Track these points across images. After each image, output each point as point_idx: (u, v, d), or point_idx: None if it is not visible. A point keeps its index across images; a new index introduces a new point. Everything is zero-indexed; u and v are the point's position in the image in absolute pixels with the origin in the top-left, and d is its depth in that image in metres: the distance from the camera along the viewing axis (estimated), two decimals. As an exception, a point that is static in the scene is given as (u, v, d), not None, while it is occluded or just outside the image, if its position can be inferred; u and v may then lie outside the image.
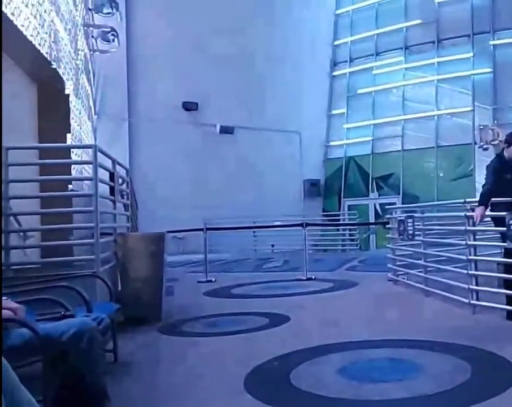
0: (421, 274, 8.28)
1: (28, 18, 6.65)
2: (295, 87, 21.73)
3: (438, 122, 21.18)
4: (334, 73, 24.19)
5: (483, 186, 6.52)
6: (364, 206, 21.73)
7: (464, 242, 6.83)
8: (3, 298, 3.26)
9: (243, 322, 6.66)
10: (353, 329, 6.01)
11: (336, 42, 24.39)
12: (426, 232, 8.43)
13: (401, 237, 8.90)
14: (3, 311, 2.96)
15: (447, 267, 7.67)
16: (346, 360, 4.77)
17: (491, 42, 20.45)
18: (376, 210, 21.40)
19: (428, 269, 8.23)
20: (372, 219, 21.18)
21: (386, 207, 11.66)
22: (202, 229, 11.82)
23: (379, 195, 21.76)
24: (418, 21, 22.05)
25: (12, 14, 6.11)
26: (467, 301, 6.53)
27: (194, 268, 13.53)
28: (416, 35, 22.17)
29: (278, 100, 20.99)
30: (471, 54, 20.78)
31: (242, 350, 5.39)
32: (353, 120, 23.15)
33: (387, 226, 10.38)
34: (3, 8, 5.51)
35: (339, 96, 23.73)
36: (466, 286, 6.59)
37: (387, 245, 10.22)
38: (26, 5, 6.64)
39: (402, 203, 19.40)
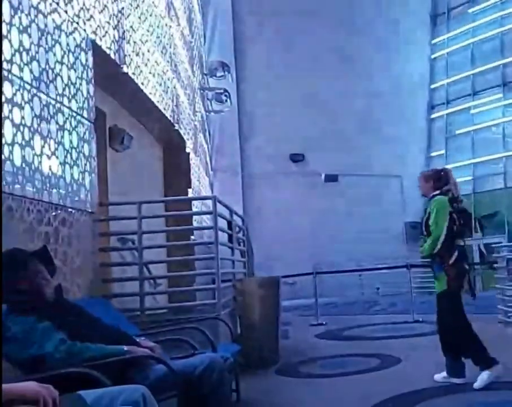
0: (534, 314, 8.04)
1: (155, 86, 7.42)
2: (395, 131, 21.77)
3: (541, 157, 20.43)
4: (432, 116, 24.16)
5: None
6: (468, 247, 20.92)
7: None
8: (141, 338, 3.71)
9: (356, 363, 6.76)
10: (465, 372, 5.76)
11: (433, 86, 24.39)
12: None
13: (510, 276, 8.72)
14: (143, 349, 3.34)
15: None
16: (461, 404, 4.72)
17: None
18: (480, 250, 20.69)
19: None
20: (476, 260, 20.43)
21: (493, 245, 11.36)
22: (312, 273, 12.14)
23: (483, 235, 21.04)
24: (516, 57, 21.58)
25: (142, 84, 6.87)
26: None
27: (304, 311, 13.77)
28: (514, 71, 21.70)
29: (378, 146, 21.26)
30: None
31: (357, 390, 5.46)
32: (452, 160, 22.72)
33: (495, 265, 10.14)
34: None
35: (438, 138, 23.66)
36: None
37: (496, 286, 9.95)
38: (153, 75, 7.42)
39: (508, 242, 18.64)
